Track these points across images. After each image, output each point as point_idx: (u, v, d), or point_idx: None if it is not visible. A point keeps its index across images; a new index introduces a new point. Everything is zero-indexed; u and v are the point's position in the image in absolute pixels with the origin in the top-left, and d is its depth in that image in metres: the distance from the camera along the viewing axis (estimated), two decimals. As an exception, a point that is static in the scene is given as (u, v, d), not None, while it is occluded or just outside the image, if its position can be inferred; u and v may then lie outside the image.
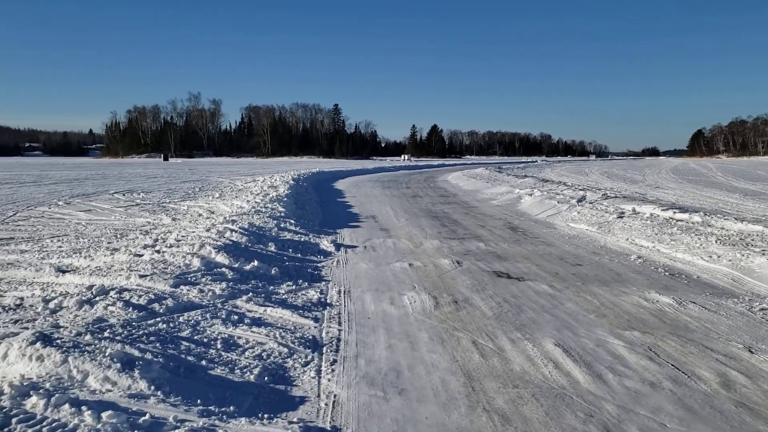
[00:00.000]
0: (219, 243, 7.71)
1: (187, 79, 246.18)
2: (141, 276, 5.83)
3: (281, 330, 4.90)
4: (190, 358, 4.02)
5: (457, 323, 5.34)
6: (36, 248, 8.53)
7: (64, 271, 6.51)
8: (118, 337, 4.08)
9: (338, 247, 9.56)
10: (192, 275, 6.21)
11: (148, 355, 3.77)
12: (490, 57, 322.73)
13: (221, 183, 27.05)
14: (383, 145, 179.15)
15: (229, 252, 7.32)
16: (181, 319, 4.85)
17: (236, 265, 6.93)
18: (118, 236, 9.83)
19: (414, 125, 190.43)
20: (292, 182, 21.38)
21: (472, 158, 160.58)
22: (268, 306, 5.50)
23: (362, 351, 4.60)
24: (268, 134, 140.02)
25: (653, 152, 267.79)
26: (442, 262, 8.25)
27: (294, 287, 6.53)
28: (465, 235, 11.26)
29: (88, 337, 3.92)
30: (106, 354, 3.55)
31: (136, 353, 3.74)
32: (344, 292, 6.52)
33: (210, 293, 5.60)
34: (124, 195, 19.50)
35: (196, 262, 6.62)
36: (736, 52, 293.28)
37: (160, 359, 3.77)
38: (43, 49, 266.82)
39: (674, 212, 12.18)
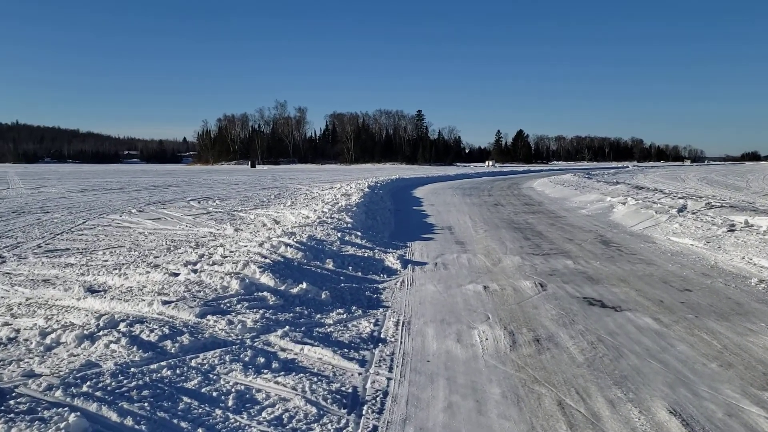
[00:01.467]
0: (267, 261, 6.90)
1: (274, 87, 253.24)
2: (165, 302, 5.06)
3: (315, 378, 3.97)
4: (184, 425, 3.13)
5: (539, 372, 4.23)
6: (83, 261, 8.05)
7: (93, 291, 5.87)
8: (98, 392, 3.27)
9: (405, 263, 8.58)
10: (226, 301, 5.39)
11: (128, 421, 2.92)
12: (578, 61, 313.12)
13: (299, 190, 26.71)
14: (467, 151, 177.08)
15: (276, 272, 6.49)
16: (193, 363, 4.00)
17: (282, 288, 6.09)
18: (171, 249, 9.26)
19: (499, 130, 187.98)
20: (367, 190, 20.61)
21: (559, 164, 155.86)
22: (307, 343, 4.59)
23: (413, 413, 3.58)
24: (351, 141, 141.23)
25: (754, 157, 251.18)
26: (523, 285, 7.10)
27: (345, 316, 5.60)
28: (550, 250, 10.02)
29: (58, 393, 3.14)
30: (60, 427, 2.72)
31: (112, 419, 2.91)
32: (403, 323, 5.52)
33: (240, 326, 4.75)
34: (199, 202, 19.33)
35: (234, 285, 5.81)
36: None
37: (143, 428, 2.91)
38: (141, 60, 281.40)
39: (799, 226, 10.44)
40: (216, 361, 4.08)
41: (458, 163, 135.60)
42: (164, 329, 4.41)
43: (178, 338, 4.31)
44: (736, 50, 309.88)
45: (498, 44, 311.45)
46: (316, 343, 4.61)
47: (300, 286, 6.15)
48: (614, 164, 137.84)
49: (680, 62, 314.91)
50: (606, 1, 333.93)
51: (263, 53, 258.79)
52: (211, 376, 3.83)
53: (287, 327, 4.89)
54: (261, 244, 8.07)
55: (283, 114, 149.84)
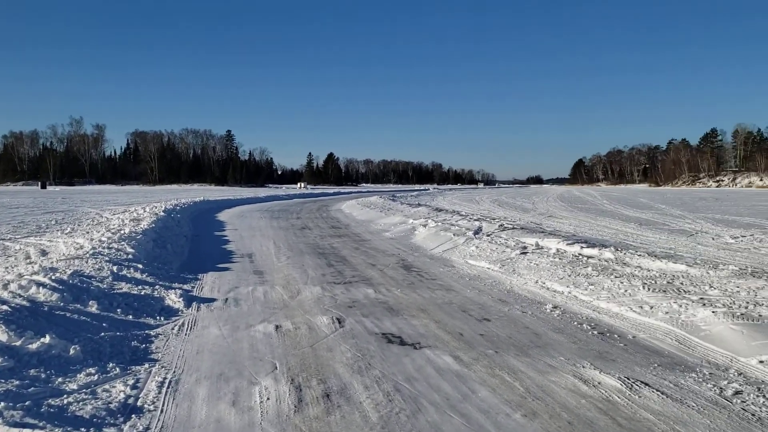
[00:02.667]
0: (5, 307, 5.53)
1: (68, 102, 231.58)
2: None
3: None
4: None
5: (326, 439, 3.56)
6: None
7: None
8: None
9: (190, 301, 7.54)
10: None
11: None
12: (384, 88, 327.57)
13: (87, 215, 23.95)
14: (279, 172, 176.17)
15: (13, 322, 5.18)
16: None
17: (17, 344, 4.82)
18: None
19: (310, 153, 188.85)
20: (162, 214, 18.92)
21: (367, 186, 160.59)
22: (28, 425, 3.48)
23: None
24: (155, 161, 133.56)
25: (537, 180, 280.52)
26: (320, 322, 6.46)
27: (97, 377, 4.51)
28: (353, 277, 9.55)
29: None
30: None
31: None
32: (170, 382, 4.56)
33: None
34: (-48, 231, 16.31)
35: (-60, 348, 4.46)
36: (610, 89, 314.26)
37: None
38: None
39: (581, 247, 11.08)
40: None
41: (270, 185, 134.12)
42: None
43: None
44: (523, 84, 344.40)
45: (307, 68, 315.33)
46: (41, 424, 3.52)
47: (42, 340, 4.92)
48: (417, 187, 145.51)
49: (472, 96, 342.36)
50: (405, 38, 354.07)
51: (55, 62, 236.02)
52: None
53: (3, 403, 3.71)
54: (5, 285, 6.57)
55: (79, 131, 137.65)
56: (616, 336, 5.85)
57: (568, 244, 11.52)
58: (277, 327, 6.23)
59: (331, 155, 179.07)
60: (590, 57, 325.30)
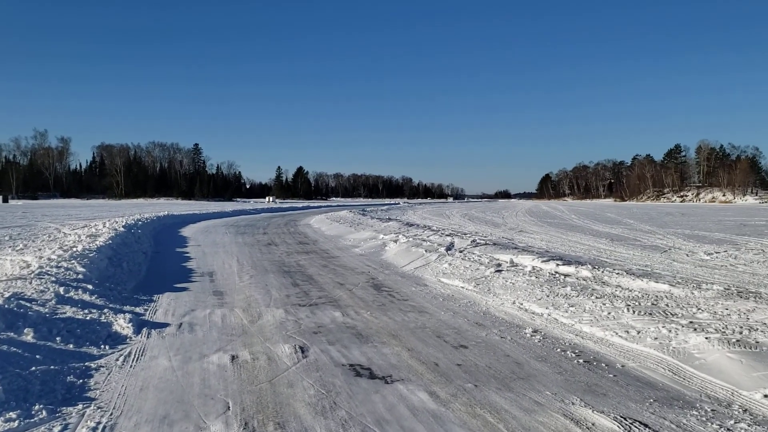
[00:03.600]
0: None
1: (32, 115, 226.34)
2: None
3: None
4: None
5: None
6: None
7: None
8: None
9: (141, 326, 6.91)
10: None
11: None
12: (355, 103, 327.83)
13: (46, 230, 22.91)
14: (248, 186, 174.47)
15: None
16: None
17: (-74, 385, 4.17)
18: None
19: (279, 167, 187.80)
20: (121, 230, 18.08)
21: (337, 200, 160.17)
22: None
23: None
24: (121, 174, 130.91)
25: (505, 195, 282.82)
26: (281, 351, 5.89)
27: (17, 423, 3.89)
28: (319, 298, 9.00)
29: None
30: None
31: None
32: (105, 429, 3.96)
33: None
34: None
35: None
36: (575, 104, 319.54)
37: None
38: None
39: (557, 264, 10.70)
40: None
41: (238, 199, 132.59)
42: None
43: None
44: (486, 102, 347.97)
45: (276, 81, 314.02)
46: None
47: (-43, 379, 4.28)
48: (387, 201, 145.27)
49: (441, 111, 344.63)
50: (376, 53, 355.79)
51: (18, 75, 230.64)
52: None
53: None
54: (-73, 312, 5.87)
55: (43, 144, 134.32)
56: (603, 365, 5.40)
57: (543, 262, 11.14)
58: (233, 357, 5.65)
59: (300, 169, 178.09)
60: (557, 73, 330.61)
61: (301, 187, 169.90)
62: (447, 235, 18.20)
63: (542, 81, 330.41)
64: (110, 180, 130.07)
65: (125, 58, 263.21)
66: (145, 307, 8.16)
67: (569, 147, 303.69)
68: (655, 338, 5.84)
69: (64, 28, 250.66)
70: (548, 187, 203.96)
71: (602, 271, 9.79)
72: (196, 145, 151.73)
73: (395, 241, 16.82)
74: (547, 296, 8.17)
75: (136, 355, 5.75)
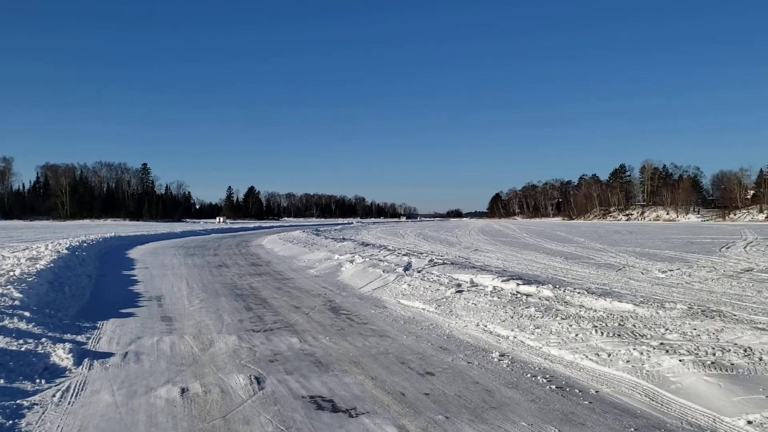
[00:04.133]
0: None
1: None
2: None
3: None
4: None
5: None
6: None
7: None
8: None
9: (82, 357, 6.39)
10: None
11: None
12: (306, 126, 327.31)
13: (-21, 252, 21.72)
14: (198, 206, 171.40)
15: None
16: None
17: None
18: None
19: (230, 186, 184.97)
20: (65, 252, 17.22)
21: (290, 220, 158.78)
22: None
23: None
24: (66, 195, 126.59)
25: (457, 214, 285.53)
26: (235, 383, 5.48)
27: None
28: (274, 323, 8.59)
29: None
30: None
31: None
32: (34, 479, 3.52)
33: None
34: None
35: None
36: (524, 124, 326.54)
37: None
38: None
39: (517, 284, 10.56)
40: None
41: (188, 220, 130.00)
42: None
43: None
44: (434, 123, 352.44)
45: (225, 106, 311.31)
46: None
47: None
48: (340, 220, 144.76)
49: (391, 132, 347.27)
50: (323, 77, 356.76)
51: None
52: None
53: None
54: None
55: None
56: (577, 391, 5.19)
57: (503, 281, 10.98)
58: (183, 390, 5.21)
59: (251, 189, 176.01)
60: (502, 92, 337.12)
61: (252, 207, 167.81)
62: (404, 255, 17.97)
63: (490, 103, 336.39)
64: (55, 201, 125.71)
65: (65, 71, 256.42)
66: (88, 335, 7.61)
67: (519, 167, 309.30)
68: (627, 361, 5.67)
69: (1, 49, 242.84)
70: (498, 206, 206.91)
71: (564, 291, 9.68)
72: (145, 164, 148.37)
73: (351, 262, 16.49)
74: (511, 317, 7.98)
75: (76, 390, 5.25)
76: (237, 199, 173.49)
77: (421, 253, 20.07)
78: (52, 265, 13.29)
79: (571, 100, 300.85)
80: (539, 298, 9.24)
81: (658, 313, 7.59)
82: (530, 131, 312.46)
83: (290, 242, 28.82)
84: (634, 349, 5.89)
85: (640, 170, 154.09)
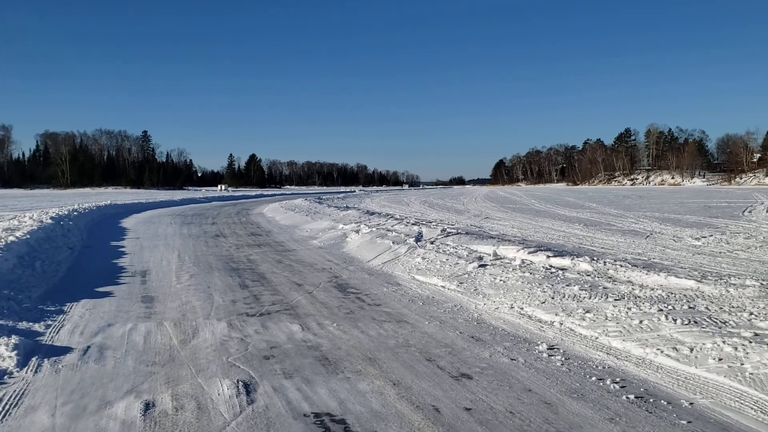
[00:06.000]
0: None
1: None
2: None
3: None
4: None
5: None
6: None
7: None
8: None
9: (30, 355, 5.15)
10: None
11: None
12: (309, 92, 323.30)
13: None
14: (200, 174, 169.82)
15: None
16: None
17: None
18: None
19: (231, 154, 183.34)
20: (49, 221, 15.97)
21: (291, 188, 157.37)
22: None
23: None
24: (66, 163, 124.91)
25: (460, 181, 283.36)
26: (217, 392, 4.24)
27: None
28: (272, 305, 7.36)
29: None
30: None
31: None
32: None
33: None
34: None
35: None
36: (529, 92, 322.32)
37: None
38: None
39: (547, 256, 9.30)
40: None
41: (189, 187, 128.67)
42: None
43: None
44: (437, 91, 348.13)
45: (228, 74, 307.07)
46: None
47: None
48: (342, 188, 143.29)
49: (394, 101, 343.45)
50: (328, 46, 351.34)
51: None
52: None
53: None
54: None
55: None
56: (664, 403, 3.93)
57: (530, 253, 9.72)
58: (147, 406, 3.97)
59: (253, 156, 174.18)
60: (508, 62, 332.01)
61: (254, 175, 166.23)
62: (413, 224, 16.68)
63: (495, 70, 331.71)
64: (55, 169, 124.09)
65: (66, 37, 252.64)
66: (49, 323, 6.38)
67: (522, 133, 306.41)
68: (719, 359, 4.41)
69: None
70: (502, 173, 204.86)
71: (604, 264, 8.41)
72: (145, 132, 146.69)
73: (357, 232, 15.23)
74: (552, 298, 6.71)
75: (6, 408, 4.02)
76: (239, 166, 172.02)
77: (431, 222, 18.79)
78: (28, 236, 12.04)
79: (575, 67, 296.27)
80: (578, 273, 7.97)
81: (728, 291, 6.32)
82: (534, 97, 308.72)
83: (292, 210, 27.55)
84: (723, 342, 4.63)
85: (646, 134, 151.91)
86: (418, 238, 13.18)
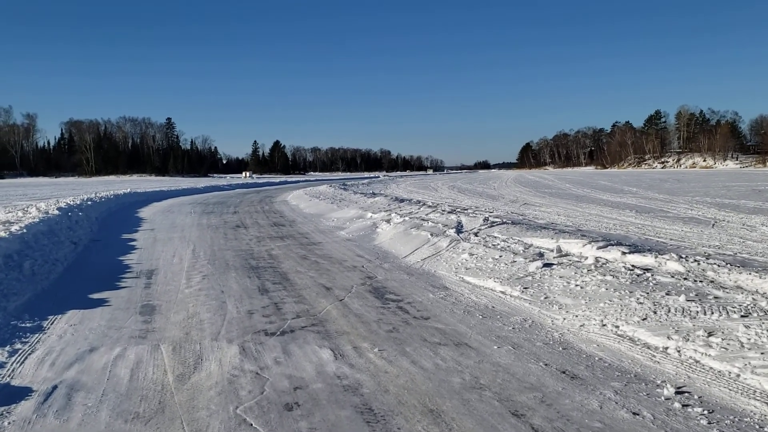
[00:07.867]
0: None
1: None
2: None
3: None
4: None
5: None
6: None
7: None
8: None
9: (-28, 403, 3.83)
10: None
11: None
12: (333, 78, 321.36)
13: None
14: (224, 161, 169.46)
15: None
16: None
17: None
18: None
19: (255, 141, 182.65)
20: (55, 213, 14.79)
21: (315, 174, 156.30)
22: None
23: None
24: (91, 151, 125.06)
25: (485, 165, 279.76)
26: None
27: None
28: (297, 318, 5.97)
29: None
30: None
31: None
32: None
33: None
34: None
35: None
36: (555, 75, 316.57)
37: None
38: None
39: (622, 252, 7.76)
40: None
41: (214, 175, 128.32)
42: None
43: None
44: (463, 75, 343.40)
45: (251, 57, 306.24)
46: None
47: None
48: (367, 174, 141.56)
49: (419, 85, 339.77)
50: (353, 31, 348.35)
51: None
52: None
53: None
54: None
55: (9, 121, 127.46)
56: None
57: (599, 248, 8.18)
58: None
59: (277, 143, 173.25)
60: (535, 45, 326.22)
61: (278, 162, 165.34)
62: (449, 213, 15.17)
63: (522, 53, 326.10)
64: (80, 157, 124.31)
65: (91, 28, 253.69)
66: (17, 346, 5.07)
67: (549, 116, 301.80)
68: None
69: (26, 7, 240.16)
70: (529, 157, 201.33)
71: (697, 263, 6.87)
72: (169, 119, 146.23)
73: (388, 221, 13.81)
74: (654, 312, 5.20)
75: None
76: (263, 153, 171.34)
77: (466, 209, 17.30)
78: (24, 231, 10.79)
79: (604, 49, 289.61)
80: (670, 276, 6.44)
81: None
82: (561, 80, 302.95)
83: (317, 198, 26.22)
84: None
85: (676, 116, 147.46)
86: (459, 228, 11.71)
